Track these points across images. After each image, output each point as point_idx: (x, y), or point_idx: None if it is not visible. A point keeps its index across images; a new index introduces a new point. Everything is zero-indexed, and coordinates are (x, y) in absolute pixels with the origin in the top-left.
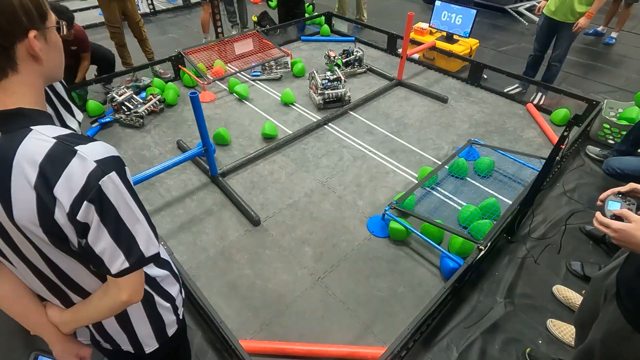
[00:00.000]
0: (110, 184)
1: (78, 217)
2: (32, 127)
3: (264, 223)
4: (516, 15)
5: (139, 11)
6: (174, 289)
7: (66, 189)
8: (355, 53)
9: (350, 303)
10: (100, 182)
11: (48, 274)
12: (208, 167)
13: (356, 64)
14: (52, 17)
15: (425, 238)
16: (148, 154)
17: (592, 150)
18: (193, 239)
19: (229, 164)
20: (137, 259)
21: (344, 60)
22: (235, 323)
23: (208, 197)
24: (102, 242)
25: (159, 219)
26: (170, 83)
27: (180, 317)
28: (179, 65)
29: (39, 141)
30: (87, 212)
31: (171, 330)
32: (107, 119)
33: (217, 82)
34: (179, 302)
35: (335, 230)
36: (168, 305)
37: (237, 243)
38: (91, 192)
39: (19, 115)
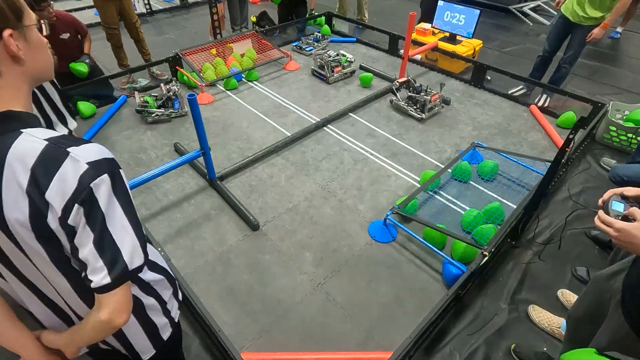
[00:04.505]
0: (103, 186)
1: (69, 221)
2: (22, 130)
3: (263, 228)
4: (520, 15)
5: (135, 11)
6: (166, 292)
7: (58, 192)
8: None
9: (351, 309)
10: (92, 185)
11: (48, 293)
12: (206, 170)
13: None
14: (31, 16)
15: (427, 244)
16: (145, 157)
17: (607, 162)
18: (191, 244)
19: (227, 167)
20: (119, 273)
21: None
22: (234, 329)
23: (206, 201)
24: (85, 248)
25: (156, 223)
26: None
27: (176, 320)
28: (176, 67)
29: (30, 143)
30: (77, 215)
31: (165, 334)
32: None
33: (216, 84)
34: (170, 305)
35: (336, 235)
36: (158, 307)
37: (235, 248)
38: (82, 194)
39: (8, 118)
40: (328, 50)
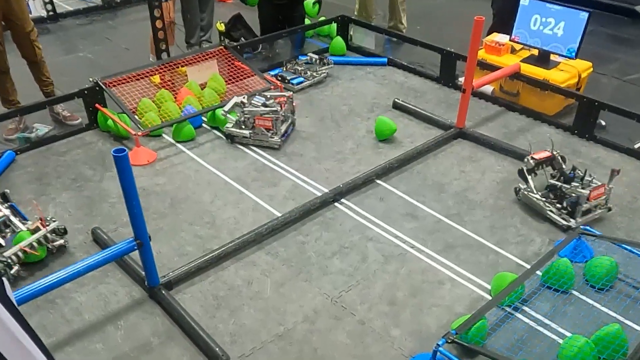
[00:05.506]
0: None
1: None
2: None
3: None
4: None
5: (29, 14)
6: None
7: None
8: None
9: None
10: None
11: None
12: (144, 272)
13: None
14: None
15: None
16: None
17: None
18: None
19: (179, 268)
20: None
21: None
22: None
23: (144, 323)
24: None
25: (62, 358)
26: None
27: None
28: (96, 105)
29: None
30: None
31: None
32: None
33: (161, 132)
34: None
35: None
36: None
37: None
38: None
39: None
40: (252, 97)
